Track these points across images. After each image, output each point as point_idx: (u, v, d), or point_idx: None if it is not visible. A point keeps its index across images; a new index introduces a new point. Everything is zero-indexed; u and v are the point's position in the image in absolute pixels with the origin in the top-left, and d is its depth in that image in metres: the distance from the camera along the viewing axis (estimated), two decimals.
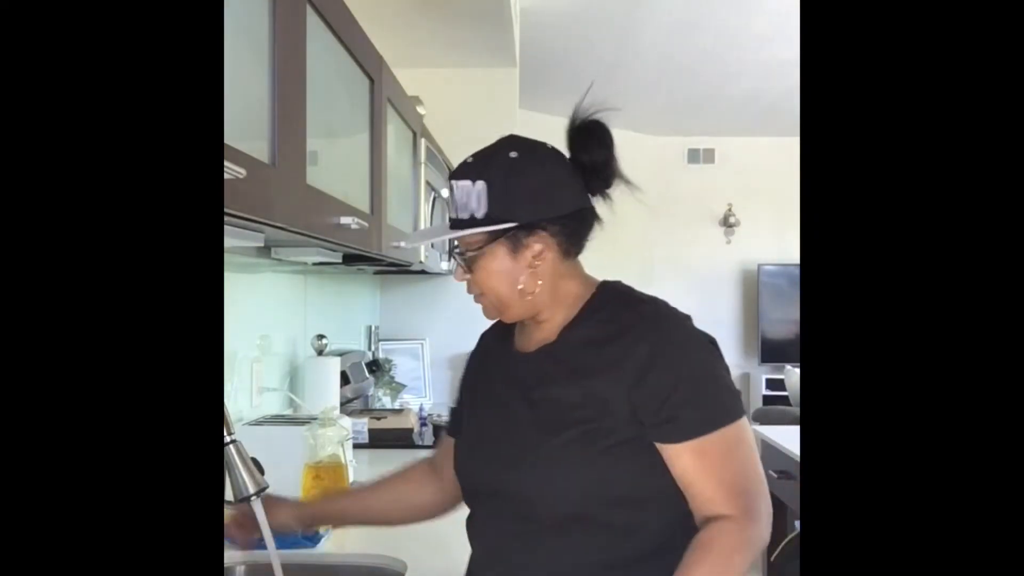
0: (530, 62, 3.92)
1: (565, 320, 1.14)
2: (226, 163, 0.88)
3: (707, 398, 1.06)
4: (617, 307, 1.14)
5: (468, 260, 1.12)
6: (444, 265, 2.90)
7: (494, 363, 1.22)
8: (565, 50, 4.14)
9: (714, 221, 5.85)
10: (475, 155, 1.12)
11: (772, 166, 5.59)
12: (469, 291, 1.16)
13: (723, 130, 5.59)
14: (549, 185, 1.10)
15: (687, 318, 1.12)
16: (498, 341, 1.24)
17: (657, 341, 1.08)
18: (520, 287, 1.12)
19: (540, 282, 1.12)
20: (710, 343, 1.11)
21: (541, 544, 1.07)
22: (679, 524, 1.06)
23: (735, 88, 4.64)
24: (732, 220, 5.82)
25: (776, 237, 5.71)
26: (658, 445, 1.05)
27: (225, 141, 0.85)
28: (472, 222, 1.09)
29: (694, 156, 5.80)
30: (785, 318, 5.57)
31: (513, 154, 1.09)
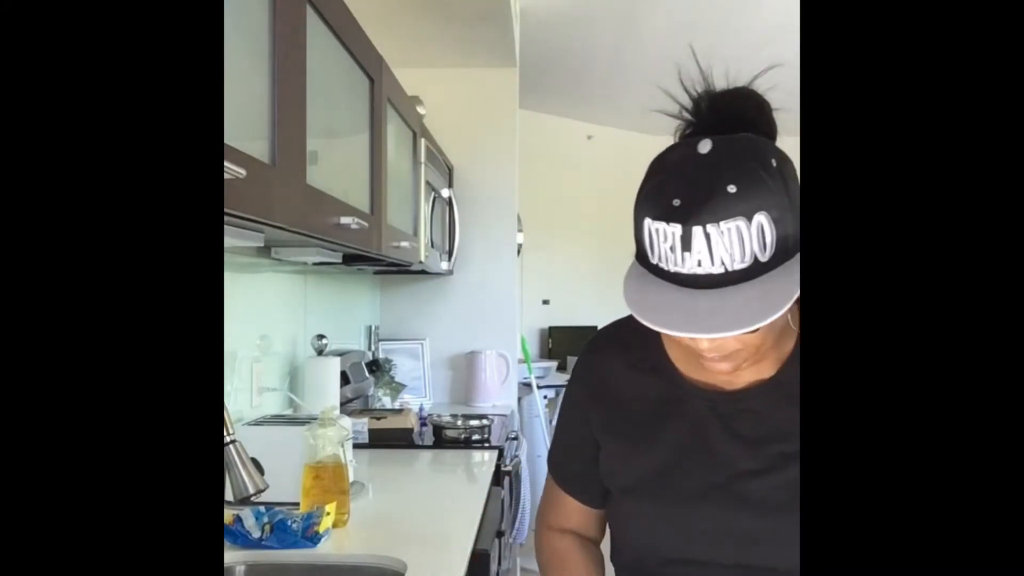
0: (530, 62, 3.92)
1: (787, 348, 0.92)
2: (226, 163, 0.88)
3: None
4: None
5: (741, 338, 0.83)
6: (444, 265, 2.90)
7: (660, 400, 0.96)
8: (565, 50, 4.13)
9: None
10: (720, 168, 0.79)
11: None
12: (708, 351, 0.85)
13: None
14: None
15: None
16: (642, 371, 0.98)
17: None
18: (784, 322, 0.88)
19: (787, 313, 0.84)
20: None
21: None
22: None
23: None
24: None
25: None
26: None
27: (225, 141, 0.85)
28: (759, 268, 0.78)
29: None
30: None
31: (773, 162, 0.81)
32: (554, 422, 1.15)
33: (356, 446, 2.11)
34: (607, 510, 1.06)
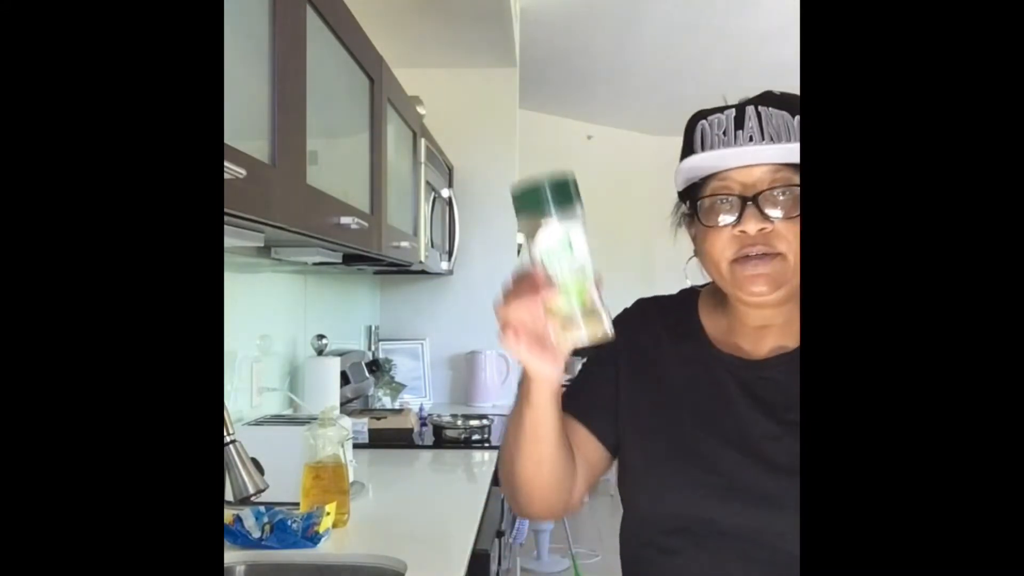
0: (530, 62, 3.92)
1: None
2: (226, 163, 0.88)
3: None
4: None
5: (792, 200, 0.86)
6: (444, 265, 2.90)
7: (686, 363, 0.98)
8: (565, 50, 4.14)
9: None
10: (766, 94, 0.90)
11: None
12: (754, 245, 0.87)
13: None
14: None
15: None
16: (675, 334, 1.01)
17: None
18: None
19: None
20: None
21: None
22: None
23: (735, 88, 4.64)
24: None
25: None
26: None
27: (225, 141, 0.85)
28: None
29: None
30: None
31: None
32: None
33: (356, 446, 2.11)
34: (618, 480, 1.02)
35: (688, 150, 0.92)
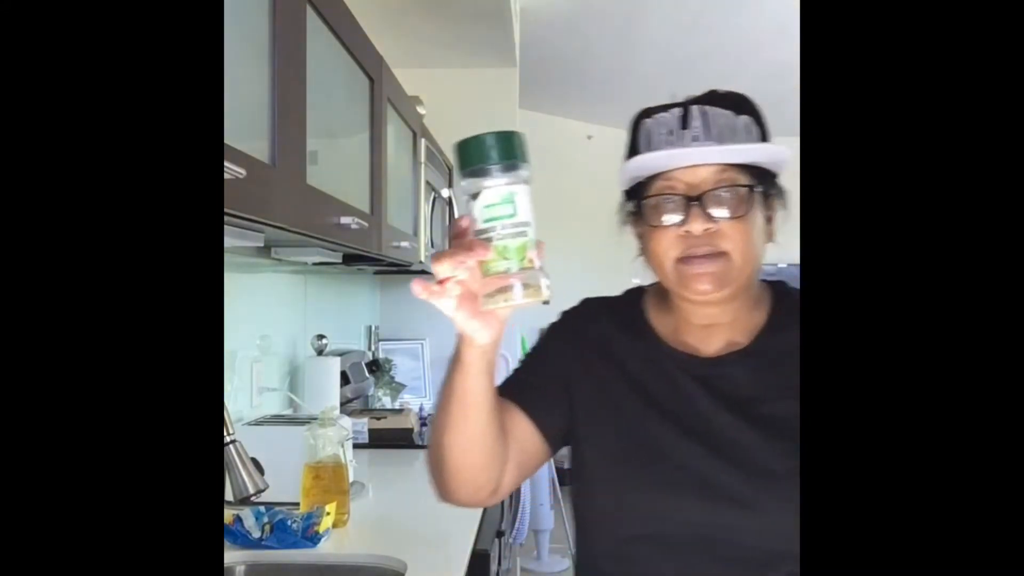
0: (530, 62, 3.92)
1: (758, 320, 0.95)
2: (226, 163, 0.88)
3: None
4: None
5: (737, 200, 0.86)
6: None
7: (640, 360, 0.96)
8: (565, 50, 4.14)
9: None
10: (711, 93, 0.91)
11: None
12: (699, 245, 0.87)
13: None
14: None
15: None
16: (625, 332, 0.98)
17: None
18: (762, 256, 0.91)
19: (762, 255, 0.92)
20: None
21: None
22: None
23: (735, 88, 4.64)
24: None
25: (776, 237, 5.71)
26: None
27: (225, 141, 0.85)
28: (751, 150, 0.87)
29: None
30: None
31: (752, 103, 0.91)
32: None
33: (356, 446, 2.11)
34: (573, 488, 0.99)
35: (633, 149, 0.91)
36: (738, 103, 0.89)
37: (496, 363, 0.83)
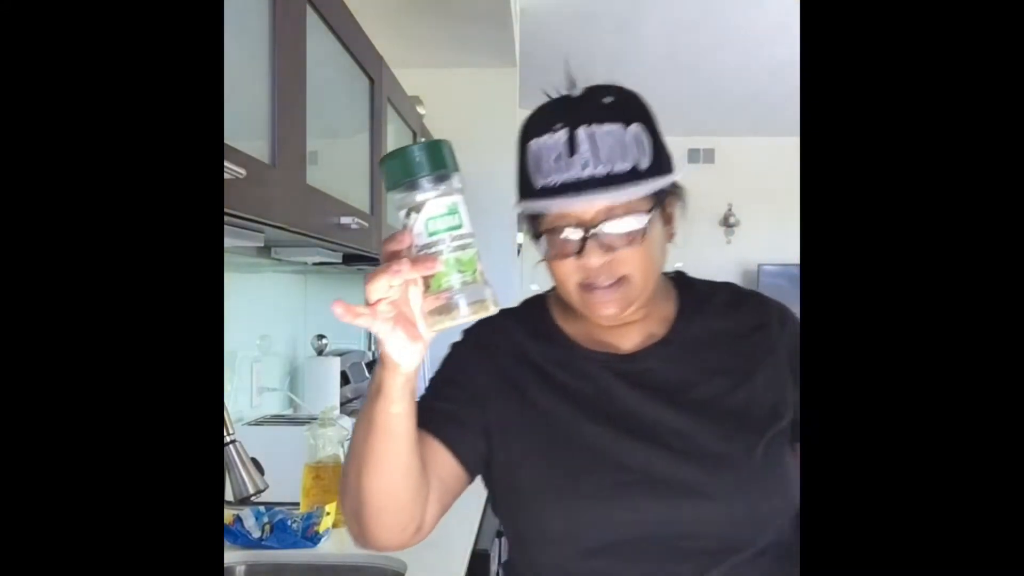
0: (530, 62, 3.92)
1: (670, 310, 0.95)
2: (226, 163, 0.88)
3: None
4: (724, 292, 0.97)
5: (631, 225, 0.84)
6: None
7: (558, 366, 0.93)
8: (565, 50, 4.13)
9: (714, 221, 5.85)
10: (591, 94, 0.87)
11: (772, 166, 5.59)
12: (599, 276, 0.86)
13: (723, 130, 5.60)
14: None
15: None
16: (539, 340, 0.95)
17: (794, 326, 0.93)
18: (664, 262, 0.91)
19: (664, 260, 0.91)
20: None
21: None
22: None
23: (735, 88, 4.64)
24: (732, 220, 5.83)
25: (776, 237, 5.71)
26: (796, 445, 0.92)
27: (225, 141, 0.85)
28: (641, 174, 0.83)
29: (694, 156, 5.81)
30: None
31: (641, 100, 0.88)
32: None
33: None
34: (508, 512, 0.94)
35: (523, 171, 0.87)
36: (624, 108, 0.85)
37: (416, 390, 0.79)
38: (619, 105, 0.85)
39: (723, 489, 0.85)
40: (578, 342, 0.94)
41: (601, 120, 0.83)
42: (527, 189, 0.87)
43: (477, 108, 3.34)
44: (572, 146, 0.82)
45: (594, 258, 0.85)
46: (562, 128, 0.83)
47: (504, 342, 0.95)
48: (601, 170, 0.82)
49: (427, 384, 0.99)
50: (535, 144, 0.85)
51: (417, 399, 0.81)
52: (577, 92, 0.87)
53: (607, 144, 0.82)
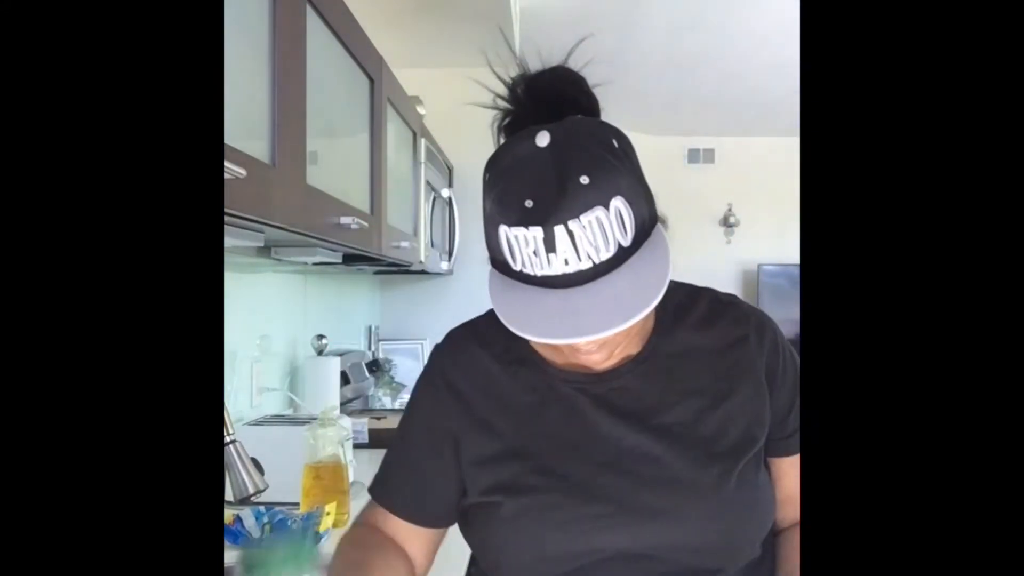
0: (530, 62, 3.92)
1: (646, 323, 0.89)
2: (226, 163, 0.88)
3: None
4: (703, 303, 0.93)
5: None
6: (444, 265, 2.90)
7: (529, 391, 0.90)
8: (565, 50, 4.13)
9: (714, 221, 5.84)
10: (566, 160, 0.77)
11: (772, 166, 5.58)
12: (594, 349, 0.84)
13: (723, 130, 5.59)
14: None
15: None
16: (507, 363, 0.92)
17: (772, 335, 0.92)
18: None
19: None
20: None
21: None
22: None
23: (735, 88, 4.64)
24: (732, 220, 5.82)
25: (776, 237, 5.71)
26: (773, 460, 0.91)
27: (225, 141, 0.85)
28: (626, 252, 0.77)
29: (694, 156, 5.80)
30: (785, 318, 5.50)
31: (615, 142, 0.80)
32: None
33: (356, 446, 2.10)
34: (477, 540, 0.92)
35: (497, 253, 0.81)
36: (604, 183, 0.76)
37: None
38: (597, 182, 0.75)
39: (696, 517, 0.83)
40: (549, 359, 0.90)
41: (578, 212, 0.74)
42: (500, 261, 0.81)
43: (477, 108, 3.33)
44: (549, 244, 0.75)
45: (600, 357, 0.85)
46: (536, 227, 0.75)
47: (471, 379, 0.92)
48: (585, 264, 0.75)
49: (397, 430, 0.98)
50: (506, 231, 0.78)
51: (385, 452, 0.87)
52: (543, 141, 0.78)
53: (587, 237, 0.75)
